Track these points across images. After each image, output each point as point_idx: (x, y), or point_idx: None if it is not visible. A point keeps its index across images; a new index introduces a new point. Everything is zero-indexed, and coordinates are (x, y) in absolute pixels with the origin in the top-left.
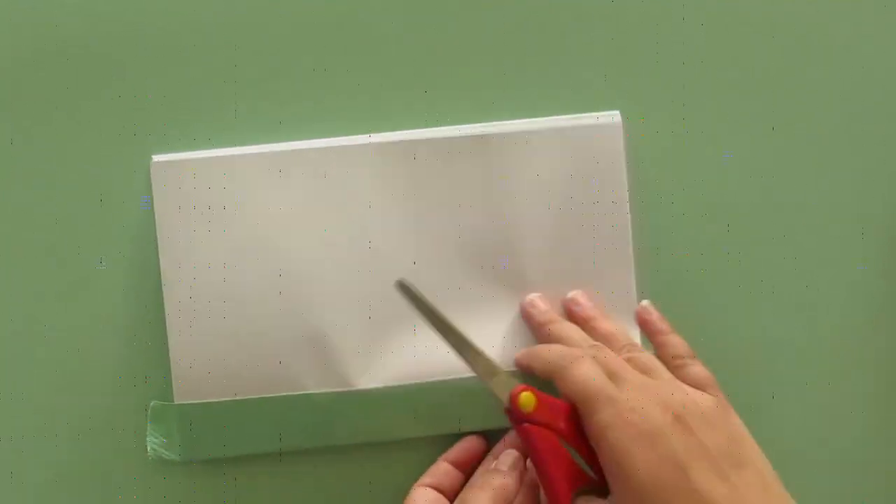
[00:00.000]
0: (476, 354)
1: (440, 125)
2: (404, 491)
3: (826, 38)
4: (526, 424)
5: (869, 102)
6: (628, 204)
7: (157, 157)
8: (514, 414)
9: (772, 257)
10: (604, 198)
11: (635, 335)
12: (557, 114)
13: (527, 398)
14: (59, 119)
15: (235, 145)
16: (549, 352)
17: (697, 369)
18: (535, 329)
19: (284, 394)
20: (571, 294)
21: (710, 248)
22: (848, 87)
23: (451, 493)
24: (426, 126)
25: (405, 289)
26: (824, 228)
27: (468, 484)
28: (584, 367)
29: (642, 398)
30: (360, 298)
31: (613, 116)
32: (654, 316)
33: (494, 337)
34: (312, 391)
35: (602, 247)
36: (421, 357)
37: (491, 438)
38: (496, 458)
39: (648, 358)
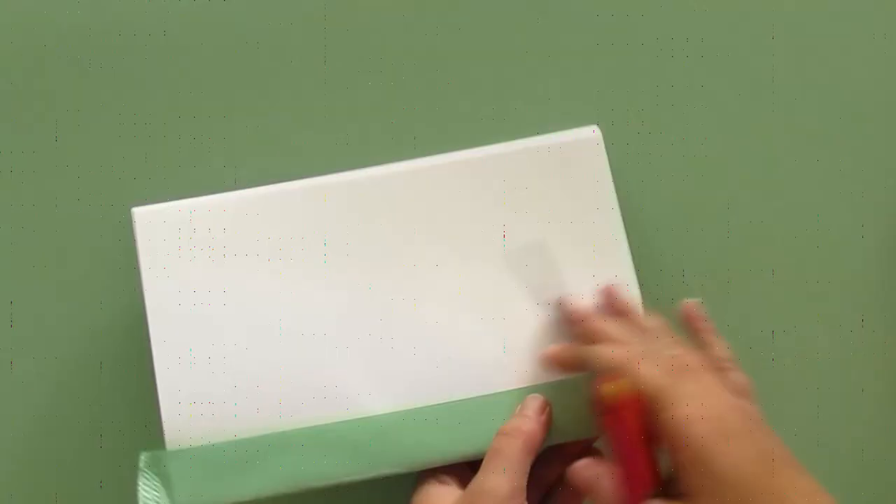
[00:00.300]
0: None
1: (413, 157)
2: None
3: (820, 39)
4: (622, 412)
5: (869, 102)
6: (620, 215)
7: (137, 209)
8: (606, 402)
9: (771, 257)
10: (595, 212)
11: None
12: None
13: (622, 384)
14: (35, 166)
15: (216, 191)
16: (608, 350)
17: (738, 375)
18: (575, 324)
19: (284, 430)
20: (605, 287)
21: (706, 249)
22: (845, 86)
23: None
24: (400, 158)
25: None
26: (824, 226)
27: (498, 431)
28: (649, 364)
29: (715, 396)
30: (355, 330)
31: (593, 130)
32: (701, 315)
33: (499, 356)
34: (315, 424)
35: (600, 258)
36: (425, 379)
37: None
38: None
39: (694, 356)
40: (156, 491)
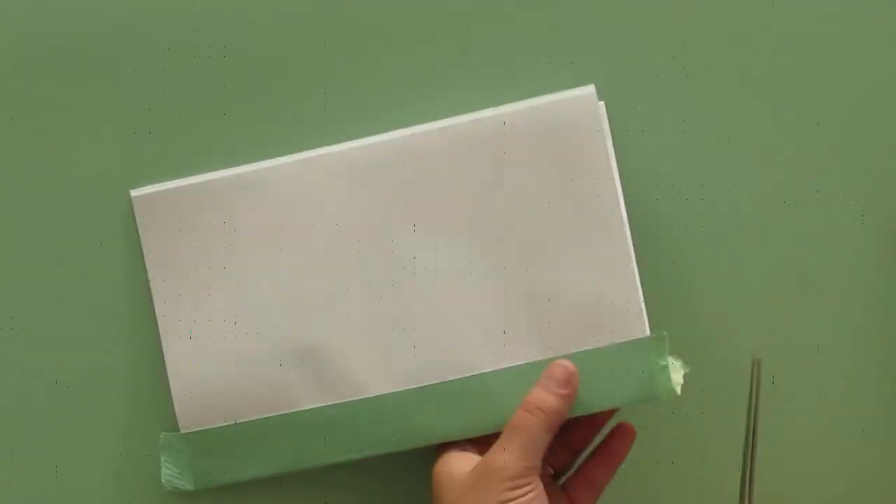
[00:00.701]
0: None
1: (408, 124)
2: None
3: (828, 30)
4: None
5: (873, 96)
6: (620, 190)
7: (135, 192)
8: None
9: (772, 251)
10: (590, 180)
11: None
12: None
13: None
14: (36, 155)
15: (215, 168)
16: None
17: None
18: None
19: (292, 410)
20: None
21: (707, 241)
22: (852, 78)
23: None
24: (395, 126)
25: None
26: (825, 222)
27: (521, 404)
28: None
29: None
30: (360, 307)
31: (587, 89)
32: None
33: (499, 332)
34: (322, 404)
35: (597, 230)
36: (428, 357)
37: None
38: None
39: None
40: (176, 468)
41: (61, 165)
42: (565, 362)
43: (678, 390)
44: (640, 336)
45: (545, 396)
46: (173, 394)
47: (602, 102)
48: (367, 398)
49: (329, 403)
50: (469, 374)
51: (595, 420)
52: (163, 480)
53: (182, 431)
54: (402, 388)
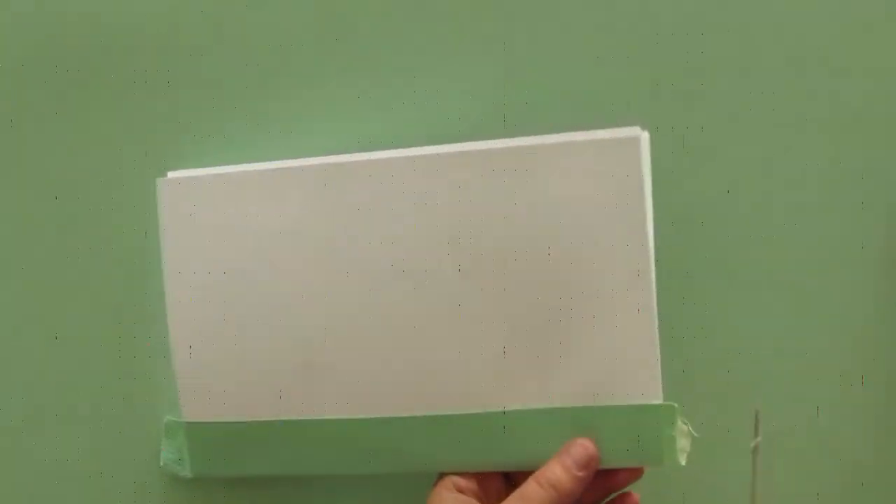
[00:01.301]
0: None
1: (446, 141)
2: None
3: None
4: None
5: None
6: (652, 244)
7: (164, 176)
8: None
9: (774, 256)
10: (622, 230)
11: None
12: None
13: None
14: (65, 132)
15: (245, 162)
16: None
17: None
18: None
19: (294, 417)
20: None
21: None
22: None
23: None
24: (430, 143)
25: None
26: (825, 222)
27: (536, 475)
28: None
29: None
30: (375, 320)
31: (632, 132)
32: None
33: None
34: (322, 416)
35: (621, 284)
36: (439, 386)
37: None
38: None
39: None
40: (175, 453)
41: (82, 157)
42: (587, 443)
43: (683, 460)
44: (653, 402)
45: (561, 476)
46: (178, 381)
47: (646, 134)
48: (372, 418)
49: (334, 417)
50: (476, 411)
51: (607, 483)
52: (161, 463)
53: (184, 420)
54: (407, 414)
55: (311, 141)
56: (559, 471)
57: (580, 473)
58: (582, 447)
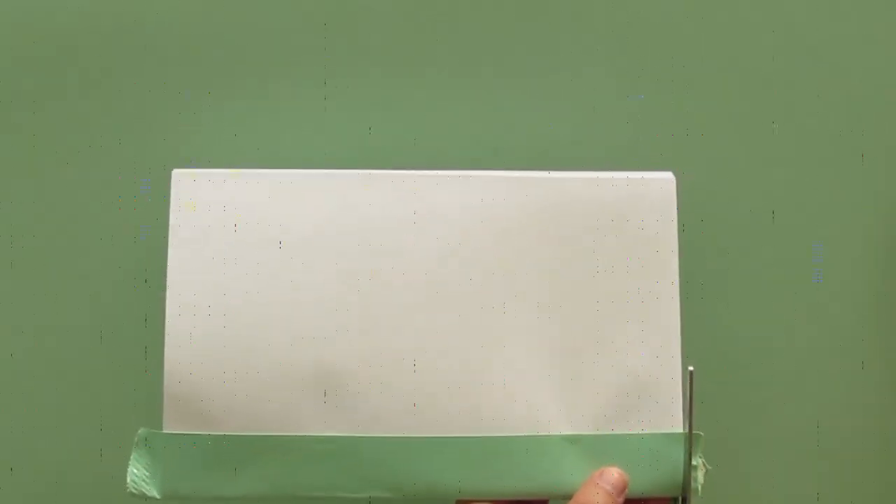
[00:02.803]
0: None
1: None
2: None
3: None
4: None
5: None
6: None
7: (178, 170)
8: None
9: (780, 258)
10: (653, 267)
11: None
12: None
13: None
14: (65, 132)
15: (262, 166)
16: None
17: None
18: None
19: (287, 434)
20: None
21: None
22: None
23: None
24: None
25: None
26: (825, 222)
27: (573, 499)
28: None
29: None
30: (380, 339)
31: (666, 175)
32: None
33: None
34: (317, 434)
35: (648, 318)
36: (454, 408)
37: None
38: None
39: None
40: (145, 470)
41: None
42: (619, 470)
43: (700, 490)
44: (674, 430)
45: (603, 500)
46: (165, 387)
47: (671, 175)
48: (385, 437)
49: (335, 434)
50: (492, 434)
51: None
52: (128, 481)
53: (165, 431)
54: (424, 435)
55: (320, 146)
56: (602, 495)
57: (619, 499)
58: (618, 473)
